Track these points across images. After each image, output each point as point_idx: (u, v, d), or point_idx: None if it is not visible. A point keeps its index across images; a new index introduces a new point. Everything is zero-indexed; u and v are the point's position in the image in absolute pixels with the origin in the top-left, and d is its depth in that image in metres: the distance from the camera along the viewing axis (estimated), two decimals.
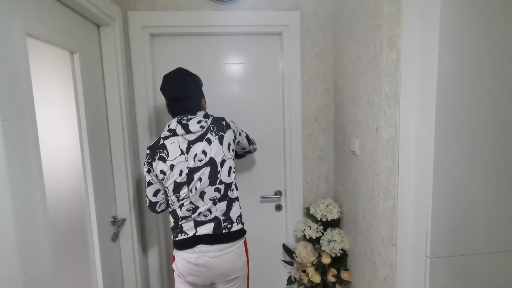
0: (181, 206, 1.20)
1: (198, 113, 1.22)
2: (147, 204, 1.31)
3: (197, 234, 1.20)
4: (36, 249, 0.92)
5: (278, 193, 1.79)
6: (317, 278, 1.60)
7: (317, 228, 1.64)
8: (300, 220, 1.72)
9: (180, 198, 1.19)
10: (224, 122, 1.26)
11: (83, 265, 1.32)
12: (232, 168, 1.25)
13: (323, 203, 1.65)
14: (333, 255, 1.57)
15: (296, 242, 1.77)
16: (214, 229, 1.21)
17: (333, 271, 1.60)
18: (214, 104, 1.69)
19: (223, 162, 1.21)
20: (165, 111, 1.68)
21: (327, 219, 1.61)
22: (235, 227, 1.24)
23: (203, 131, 1.20)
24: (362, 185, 1.39)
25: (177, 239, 1.22)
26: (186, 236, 1.21)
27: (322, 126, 1.73)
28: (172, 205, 1.24)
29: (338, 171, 1.69)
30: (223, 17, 1.60)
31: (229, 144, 1.24)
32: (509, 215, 1.09)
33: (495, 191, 1.08)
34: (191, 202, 1.20)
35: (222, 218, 1.22)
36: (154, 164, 1.20)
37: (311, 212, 1.66)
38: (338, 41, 1.61)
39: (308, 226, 1.66)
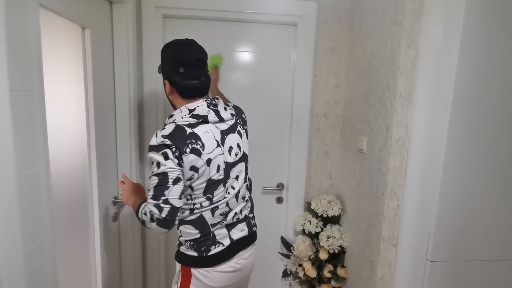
0: (214, 210, 0.99)
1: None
2: (164, 215, 0.88)
3: (234, 240, 1.04)
4: (38, 223, 0.91)
5: (280, 186, 1.79)
6: (313, 273, 1.60)
7: (317, 223, 1.64)
8: (300, 214, 1.72)
9: (214, 200, 0.98)
10: (244, 116, 1.15)
11: (83, 242, 1.33)
12: None
13: (325, 199, 1.65)
14: (331, 251, 1.57)
15: (295, 235, 1.77)
16: (248, 229, 1.10)
17: (329, 267, 1.61)
18: (222, 90, 1.67)
19: (248, 157, 1.13)
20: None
21: (327, 215, 1.61)
22: (256, 221, 1.18)
23: (233, 121, 1.05)
24: (366, 183, 1.38)
25: (210, 253, 0.99)
26: (222, 248, 1.01)
27: (330, 121, 1.71)
28: (197, 211, 0.98)
29: (343, 168, 1.68)
30: (239, 3, 1.57)
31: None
32: (511, 224, 1.09)
33: (500, 199, 1.07)
34: (227, 204, 1.01)
35: (250, 216, 1.13)
36: (184, 158, 0.91)
37: (312, 207, 1.66)
38: (354, 36, 1.57)
39: (308, 221, 1.65)
